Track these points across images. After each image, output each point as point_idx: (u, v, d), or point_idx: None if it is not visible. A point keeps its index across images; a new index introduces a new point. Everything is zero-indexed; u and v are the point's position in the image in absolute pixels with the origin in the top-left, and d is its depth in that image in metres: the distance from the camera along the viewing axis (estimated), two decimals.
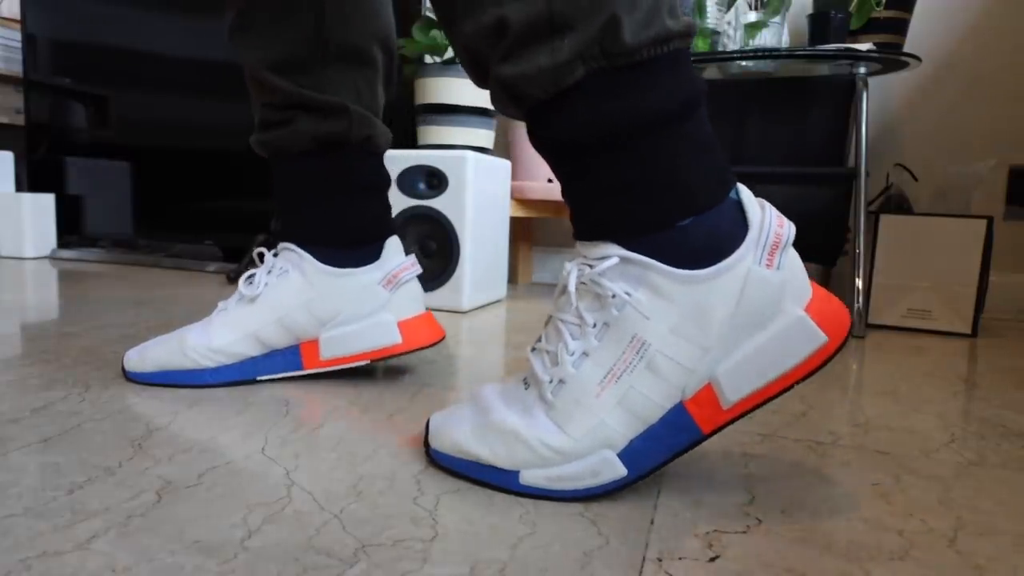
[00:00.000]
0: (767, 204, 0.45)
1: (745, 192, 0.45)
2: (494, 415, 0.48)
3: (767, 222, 0.44)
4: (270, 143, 0.72)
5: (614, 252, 0.44)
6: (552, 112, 0.45)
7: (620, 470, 0.45)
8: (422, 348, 0.72)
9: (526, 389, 0.48)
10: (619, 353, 0.44)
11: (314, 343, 0.70)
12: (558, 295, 0.48)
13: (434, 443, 0.50)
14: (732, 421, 0.45)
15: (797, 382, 0.44)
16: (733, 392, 0.44)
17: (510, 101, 0.46)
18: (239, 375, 0.69)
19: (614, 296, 0.44)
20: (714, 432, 0.45)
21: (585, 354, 0.45)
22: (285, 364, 0.71)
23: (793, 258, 0.45)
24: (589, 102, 0.43)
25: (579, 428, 0.45)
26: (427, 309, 0.76)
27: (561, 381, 0.46)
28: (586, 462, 0.45)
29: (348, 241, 0.71)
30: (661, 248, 0.44)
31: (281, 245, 0.71)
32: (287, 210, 0.72)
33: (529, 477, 0.45)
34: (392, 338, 0.71)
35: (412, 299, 0.73)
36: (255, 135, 0.73)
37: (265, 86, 0.69)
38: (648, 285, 0.44)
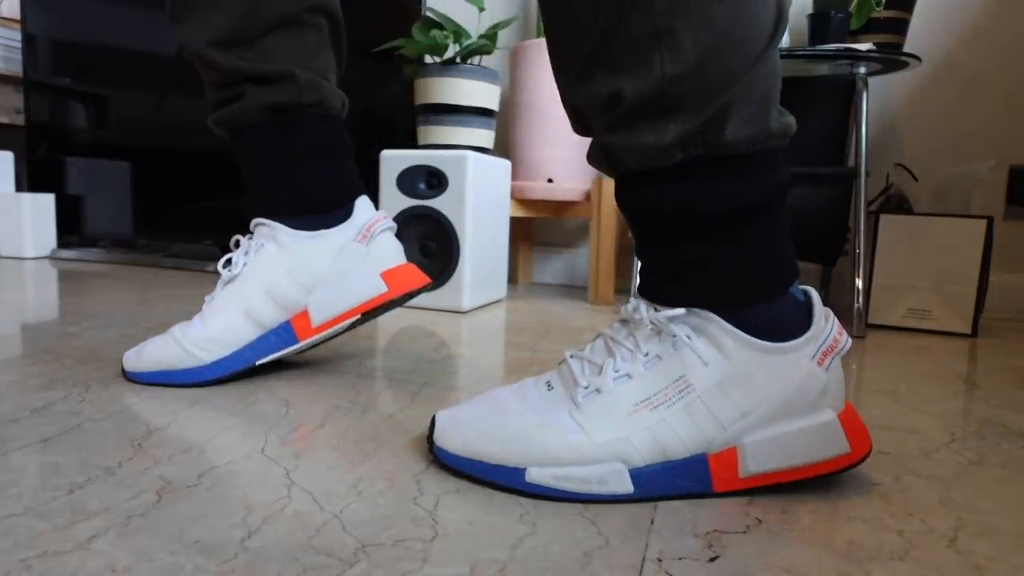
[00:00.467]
0: (831, 314, 0.49)
1: (815, 296, 0.49)
2: (510, 412, 0.48)
3: (830, 327, 0.47)
4: (223, 121, 0.72)
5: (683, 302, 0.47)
6: (644, 183, 0.47)
7: (628, 486, 0.45)
8: (410, 294, 0.72)
9: (549, 391, 0.49)
10: (662, 386, 0.46)
11: (303, 314, 0.70)
12: (617, 320, 0.50)
13: (440, 441, 0.50)
14: (743, 491, 0.47)
15: (810, 477, 0.47)
16: (755, 464, 0.46)
17: (605, 162, 0.49)
18: (237, 364, 0.69)
19: (676, 336, 0.46)
20: (723, 494, 0.47)
21: (629, 376, 0.47)
22: (280, 342, 0.70)
23: (840, 367, 0.48)
24: (680, 183, 0.46)
25: (602, 435, 0.46)
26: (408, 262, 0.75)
27: (598, 390, 0.47)
28: (597, 468, 0.45)
29: (315, 206, 0.71)
30: (727, 314, 0.46)
31: (253, 222, 0.72)
32: (252, 186, 0.72)
33: (536, 475, 0.45)
34: (377, 288, 0.70)
35: (390, 249, 0.73)
36: (209, 116, 0.73)
37: (210, 64, 0.69)
38: (708, 336, 0.46)
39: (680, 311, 0.46)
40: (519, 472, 0.46)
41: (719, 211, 0.45)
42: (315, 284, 0.70)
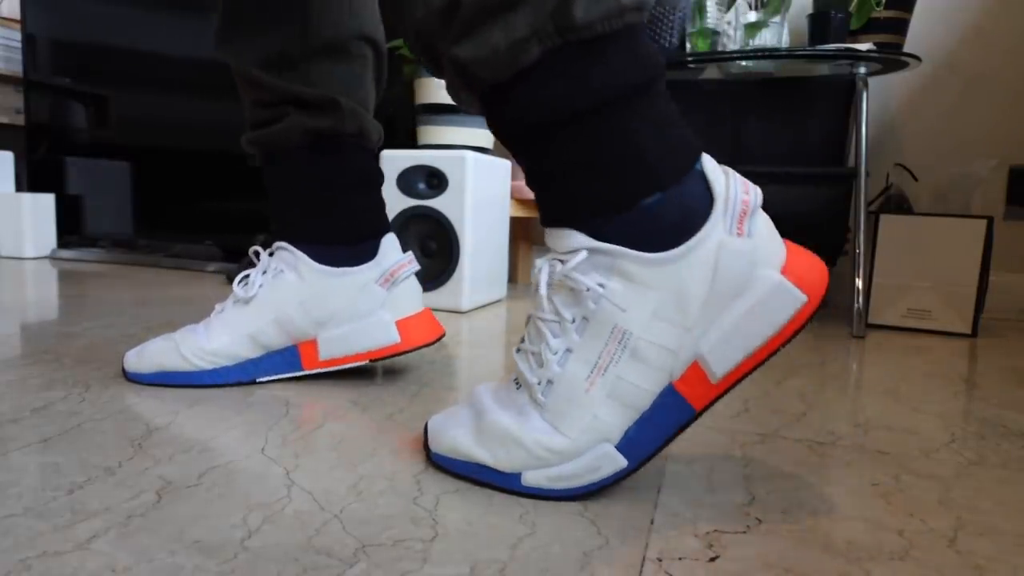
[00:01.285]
0: (731, 171, 0.44)
1: (708, 161, 0.44)
2: (489, 417, 0.47)
3: (733, 191, 0.43)
4: (261, 140, 0.71)
5: (582, 244, 0.44)
6: (507, 95, 0.44)
7: (620, 462, 0.45)
8: (421, 347, 0.72)
9: (518, 389, 0.48)
10: (602, 345, 0.44)
11: (312, 343, 0.70)
12: (534, 293, 0.47)
13: (433, 446, 0.50)
14: (724, 394, 0.45)
15: (782, 345, 0.44)
16: (720, 366, 0.43)
17: (464, 86, 0.46)
18: (238, 376, 0.69)
19: (588, 289, 0.43)
20: (706, 408, 0.45)
21: (569, 350, 0.45)
22: (284, 365, 0.70)
23: (763, 222, 0.44)
24: (543, 82, 0.43)
25: (574, 427, 0.45)
26: (425, 307, 0.76)
27: (550, 382, 0.46)
28: (585, 459, 0.45)
29: (343, 238, 0.71)
30: (628, 233, 0.43)
31: (276, 244, 0.71)
32: (281, 209, 0.72)
33: (531, 479, 0.45)
34: (390, 337, 0.70)
35: (410, 297, 0.73)
36: (246, 134, 0.73)
37: (255, 84, 0.69)
38: (621, 273, 0.43)
39: (582, 255, 0.43)
40: (515, 477, 0.46)
41: (591, 103, 0.42)
42: (328, 320, 0.69)
